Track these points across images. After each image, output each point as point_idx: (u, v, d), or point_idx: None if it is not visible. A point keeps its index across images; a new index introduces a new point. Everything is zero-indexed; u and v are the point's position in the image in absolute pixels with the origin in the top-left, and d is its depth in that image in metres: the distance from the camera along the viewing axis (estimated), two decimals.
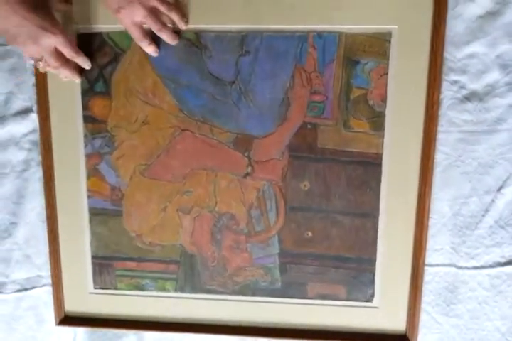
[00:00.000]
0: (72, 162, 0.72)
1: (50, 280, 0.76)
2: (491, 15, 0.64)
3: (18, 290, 0.78)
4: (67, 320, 0.77)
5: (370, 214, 0.70)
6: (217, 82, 0.68)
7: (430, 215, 0.69)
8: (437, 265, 0.71)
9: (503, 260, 0.70)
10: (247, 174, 0.71)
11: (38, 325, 0.79)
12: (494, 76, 0.65)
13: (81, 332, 0.78)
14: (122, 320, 0.76)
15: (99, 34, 0.68)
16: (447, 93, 0.66)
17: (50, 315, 0.78)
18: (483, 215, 0.69)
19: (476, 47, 0.65)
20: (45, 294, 0.78)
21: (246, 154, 0.70)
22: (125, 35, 0.67)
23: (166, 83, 0.69)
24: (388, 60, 0.66)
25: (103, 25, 0.68)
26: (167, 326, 0.76)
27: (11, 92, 0.72)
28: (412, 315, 0.72)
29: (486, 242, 0.70)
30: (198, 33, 0.67)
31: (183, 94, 0.69)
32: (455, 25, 0.64)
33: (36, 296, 0.78)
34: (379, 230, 0.71)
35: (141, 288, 0.76)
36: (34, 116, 0.72)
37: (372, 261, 0.72)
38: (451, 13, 0.64)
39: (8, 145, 0.74)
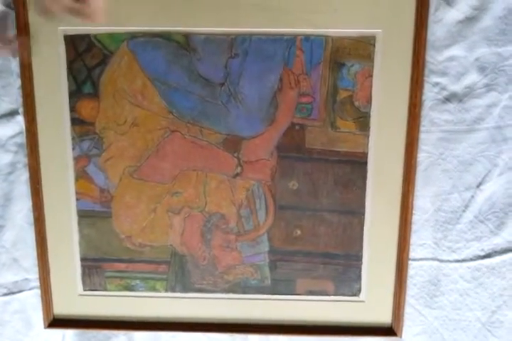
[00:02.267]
0: (59, 164, 0.75)
1: (38, 283, 0.79)
2: (470, 20, 0.70)
3: (5, 294, 0.80)
4: (56, 322, 0.80)
5: (356, 212, 0.76)
6: (206, 83, 0.72)
7: (413, 211, 0.75)
8: (421, 259, 0.78)
9: (482, 253, 0.77)
10: (237, 174, 0.75)
11: (26, 328, 0.82)
12: (473, 78, 0.72)
13: (70, 334, 0.82)
14: (112, 321, 0.80)
15: (86, 36, 0.71)
16: (429, 94, 0.72)
17: (38, 318, 0.81)
18: (464, 211, 0.76)
19: (456, 51, 0.71)
20: (33, 297, 0.80)
21: (235, 155, 0.74)
22: (113, 36, 0.71)
23: (155, 85, 0.72)
24: (373, 62, 0.71)
25: (91, 27, 0.71)
26: (158, 326, 0.80)
27: None
28: (397, 308, 0.79)
29: (466, 236, 0.77)
30: (187, 36, 0.70)
31: (172, 96, 0.73)
32: (436, 30, 0.70)
33: (24, 300, 0.81)
34: (365, 227, 0.77)
35: (131, 289, 0.79)
36: (20, 119, 0.74)
37: (358, 257, 0.77)
38: (432, 19, 0.70)
39: None
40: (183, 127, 0.74)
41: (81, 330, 0.81)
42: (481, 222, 0.76)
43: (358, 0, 0.69)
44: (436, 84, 0.72)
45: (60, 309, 0.80)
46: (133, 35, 0.71)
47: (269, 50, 0.71)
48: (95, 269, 0.79)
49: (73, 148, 0.75)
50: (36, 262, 0.78)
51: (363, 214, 0.76)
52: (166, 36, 0.71)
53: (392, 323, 0.79)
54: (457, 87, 0.72)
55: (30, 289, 0.80)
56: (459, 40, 0.70)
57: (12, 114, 0.75)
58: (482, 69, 0.71)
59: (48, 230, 0.77)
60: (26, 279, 0.80)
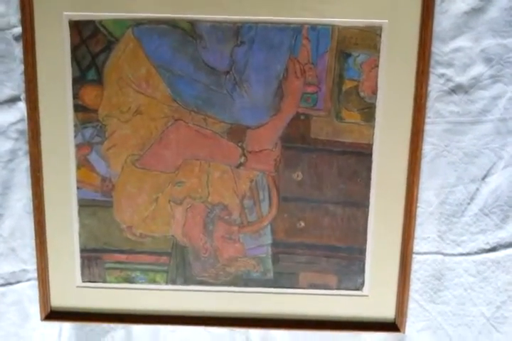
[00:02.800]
0: (61, 152, 0.75)
1: (35, 275, 0.78)
2: (476, 11, 0.71)
3: (2, 285, 0.80)
4: (54, 315, 0.79)
5: (360, 204, 0.76)
6: (211, 72, 0.73)
7: (418, 204, 0.75)
8: (425, 253, 0.78)
9: (487, 246, 0.77)
10: (241, 164, 0.75)
11: (22, 320, 0.81)
12: (479, 69, 0.72)
13: (67, 327, 0.81)
14: (111, 314, 0.79)
15: (91, 22, 0.71)
16: (434, 85, 0.73)
17: (34, 310, 0.80)
18: (469, 203, 0.76)
19: (462, 42, 0.72)
20: (30, 289, 0.80)
21: (239, 144, 0.75)
22: (118, 23, 0.71)
23: (160, 72, 0.72)
24: (379, 53, 0.72)
25: (96, 12, 0.71)
26: (157, 319, 0.79)
27: None
28: (400, 302, 0.78)
29: (471, 229, 0.77)
30: (193, 23, 0.71)
31: (177, 84, 0.73)
32: (442, 21, 0.71)
33: (21, 291, 0.80)
34: (369, 219, 0.77)
35: (131, 281, 0.79)
36: (22, 105, 0.74)
37: (362, 250, 0.77)
38: (438, 9, 0.70)
39: None
40: (187, 115, 0.74)
41: (78, 323, 0.80)
42: (486, 215, 0.76)
43: None
44: (442, 75, 0.73)
45: (57, 301, 0.79)
46: (138, 22, 0.71)
47: (275, 39, 0.71)
48: (95, 260, 0.78)
49: (75, 136, 0.74)
50: (34, 252, 0.77)
51: (367, 206, 0.76)
52: (171, 23, 0.71)
53: (395, 318, 0.79)
54: (463, 79, 0.73)
55: (27, 280, 0.80)
56: (465, 31, 0.71)
57: (13, 100, 0.75)
58: (488, 60, 0.72)
59: (47, 219, 0.77)
60: (24, 270, 0.79)
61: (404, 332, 0.78)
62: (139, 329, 0.81)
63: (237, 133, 0.74)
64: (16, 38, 0.72)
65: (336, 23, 0.71)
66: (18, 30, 0.71)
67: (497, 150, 0.74)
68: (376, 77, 0.73)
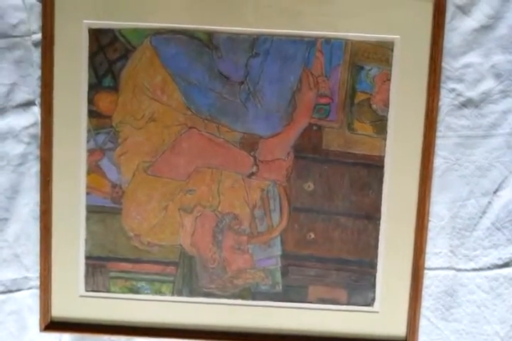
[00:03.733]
0: (72, 157, 0.76)
1: (37, 283, 0.78)
2: (485, 28, 0.74)
3: (2, 292, 0.79)
4: (53, 325, 0.78)
5: (371, 217, 0.77)
6: (226, 81, 0.75)
7: (429, 218, 0.76)
8: (436, 268, 0.78)
9: (500, 262, 0.78)
10: (252, 173, 0.76)
11: (20, 331, 0.80)
12: (489, 84, 0.75)
13: (66, 339, 0.79)
14: (114, 326, 0.78)
15: (110, 30, 0.74)
16: (445, 100, 0.75)
17: (34, 320, 0.79)
18: (481, 217, 0.77)
19: (472, 58, 0.75)
20: (30, 297, 0.79)
21: (252, 154, 0.76)
22: (137, 32, 0.74)
23: (175, 81, 0.75)
24: (391, 67, 0.75)
25: (115, 21, 0.74)
26: (161, 332, 0.78)
27: (14, 84, 0.76)
28: (412, 319, 0.78)
29: (484, 244, 0.78)
30: (210, 34, 0.74)
31: (191, 93, 0.75)
32: (452, 38, 0.74)
33: (21, 299, 0.79)
34: (380, 233, 0.77)
35: (136, 291, 0.78)
36: (36, 110, 0.76)
37: (373, 264, 0.77)
38: (448, 27, 0.74)
39: (6, 137, 0.77)
40: (201, 124, 0.76)
41: (78, 335, 0.79)
42: (498, 229, 0.77)
43: (378, 6, 0.74)
44: (453, 90, 0.75)
45: (58, 311, 0.78)
46: (157, 32, 0.74)
47: (290, 51, 0.75)
48: (99, 268, 0.78)
49: (88, 141, 0.76)
50: (38, 260, 0.77)
51: (379, 219, 0.77)
52: (189, 34, 0.74)
53: (406, 336, 0.78)
54: (473, 93, 0.75)
55: (28, 288, 0.79)
56: (475, 47, 0.75)
57: (28, 104, 0.77)
58: (498, 75, 0.75)
59: (54, 225, 0.77)
60: (26, 277, 0.79)
61: None
62: None
63: (249, 142, 0.76)
64: (35, 44, 0.75)
65: (350, 38, 0.74)
66: (38, 36, 0.74)
67: (508, 164, 0.76)
68: (388, 90, 0.75)
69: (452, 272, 0.78)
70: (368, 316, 0.78)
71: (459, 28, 0.74)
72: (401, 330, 0.78)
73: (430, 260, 0.77)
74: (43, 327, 0.78)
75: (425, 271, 0.77)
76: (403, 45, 0.75)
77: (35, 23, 0.74)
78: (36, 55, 0.75)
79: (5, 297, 0.79)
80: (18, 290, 0.79)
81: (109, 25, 0.74)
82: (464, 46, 0.75)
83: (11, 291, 0.79)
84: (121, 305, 0.78)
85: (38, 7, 0.74)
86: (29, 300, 0.79)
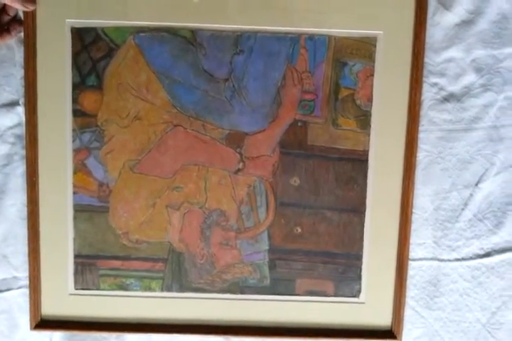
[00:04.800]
0: (58, 156, 0.78)
1: (26, 282, 0.79)
2: (466, 23, 0.77)
3: None
4: (44, 323, 0.80)
5: (357, 210, 0.80)
6: (210, 79, 0.76)
7: (413, 210, 0.79)
8: (420, 259, 0.81)
9: (481, 252, 0.81)
10: (239, 170, 0.78)
11: (10, 330, 0.82)
12: (470, 78, 0.78)
13: (57, 337, 0.82)
14: (104, 323, 0.80)
15: (93, 29, 0.75)
16: (428, 94, 0.78)
17: (24, 319, 0.81)
18: (463, 209, 0.80)
19: (453, 53, 0.77)
20: (20, 297, 0.81)
21: (238, 150, 0.78)
22: (120, 30, 0.75)
23: (159, 79, 0.76)
24: (374, 62, 0.77)
25: (98, 20, 0.75)
26: (152, 328, 0.80)
27: None
28: (397, 309, 0.81)
29: (466, 235, 0.81)
30: (194, 31, 0.75)
31: (176, 90, 0.77)
32: (434, 33, 0.77)
33: (11, 299, 0.81)
34: (365, 225, 0.80)
35: (126, 288, 0.80)
36: (20, 110, 0.78)
37: (359, 256, 0.80)
38: (430, 22, 0.76)
39: None
40: (186, 121, 0.77)
41: (69, 333, 0.81)
42: (480, 220, 0.81)
43: (361, 2, 0.76)
44: (435, 84, 0.78)
45: (48, 309, 0.80)
46: (140, 30, 0.75)
47: (274, 48, 0.76)
48: (88, 267, 0.80)
49: (73, 140, 0.77)
50: (26, 259, 0.79)
51: (364, 212, 0.80)
52: (172, 31, 0.75)
53: (392, 326, 0.81)
54: (455, 88, 0.78)
55: (18, 288, 0.81)
56: (456, 42, 0.77)
57: (12, 104, 0.78)
58: (478, 70, 0.78)
59: (41, 225, 0.78)
60: (15, 277, 0.81)
61: (401, 340, 0.81)
62: (132, 339, 0.82)
63: (235, 139, 0.78)
64: (18, 44, 0.76)
65: (333, 34, 0.76)
66: (20, 35, 0.75)
67: (489, 157, 0.79)
68: (371, 85, 0.77)
69: (436, 262, 0.81)
70: (355, 307, 0.81)
71: (440, 23, 0.77)
72: (386, 320, 0.81)
73: (414, 251, 0.81)
74: (33, 325, 0.80)
75: (409, 262, 0.80)
76: (386, 41, 0.77)
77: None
78: (19, 55, 0.76)
79: None
80: (8, 289, 0.81)
81: (92, 23, 0.75)
82: (445, 41, 0.77)
83: (0, 291, 0.81)
84: (111, 302, 0.80)
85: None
86: (19, 299, 0.81)
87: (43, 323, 0.80)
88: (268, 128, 0.78)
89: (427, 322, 0.83)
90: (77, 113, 0.77)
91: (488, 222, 0.81)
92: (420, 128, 0.78)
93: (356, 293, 0.81)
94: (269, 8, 0.75)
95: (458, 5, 0.76)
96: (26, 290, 0.80)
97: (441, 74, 0.78)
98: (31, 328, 0.80)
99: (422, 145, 0.79)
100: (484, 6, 0.76)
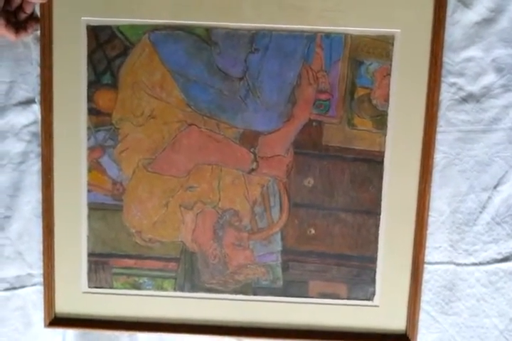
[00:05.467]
0: (73, 155, 0.79)
1: (41, 280, 0.81)
2: (487, 22, 0.76)
3: (7, 289, 0.82)
4: (58, 321, 0.82)
5: (372, 212, 0.79)
6: (225, 77, 0.77)
7: (429, 213, 0.78)
8: (436, 263, 0.81)
9: (499, 256, 0.80)
10: (252, 170, 0.78)
11: (25, 327, 0.84)
12: (490, 78, 0.77)
13: (70, 335, 0.83)
14: (117, 321, 0.82)
15: (109, 27, 0.76)
16: (446, 94, 0.78)
17: (38, 316, 0.83)
18: (481, 212, 0.80)
19: (473, 52, 0.77)
20: (34, 294, 0.83)
21: (251, 150, 0.78)
22: (135, 28, 0.76)
23: (174, 77, 0.77)
24: (391, 61, 0.77)
25: (113, 18, 0.76)
26: (164, 327, 0.81)
27: (14, 82, 0.79)
28: (412, 313, 0.81)
29: (483, 239, 0.80)
30: (208, 30, 0.76)
31: (191, 89, 0.77)
32: (453, 31, 0.76)
33: (25, 296, 0.83)
34: (380, 228, 0.80)
35: (138, 287, 0.81)
36: (36, 108, 0.79)
37: (373, 259, 0.80)
38: (449, 20, 0.76)
39: (6, 136, 0.80)
40: (200, 120, 0.78)
41: (82, 331, 0.82)
42: (498, 224, 0.80)
43: (378, 0, 0.75)
44: (453, 84, 0.77)
45: (62, 307, 0.82)
46: (155, 28, 0.76)
47: (289, 47, 0.76)
48: (102, 265, 0.81)
49: (88, 139, 0.79)
50: (41, 257, 0.80)
51: (379, 214, 0.79)
52: (187, 29, 0.76)
53: (406, 330, 0.81)
54: (474, 88, 0.77)
55: (32, 285, 0.82)
56: (476, 41, 0.77)
57: (28, 102, 0.79)
58: (499, 69, 0.77)
59: (56, 223, 0.80)
60: (29, 274, 0.82)
61: None
62: (144, 338, 0.83)
63: (249, 138, 0.78)
64: (34, 42, 0.77)
65: (349, 32, 0.76)
66: (36, 33, 0.76)
67: (508, 159, 0.78)
68: (388, 85, 0.77)
69: (452, 266, 0.81)
70: (368, 310, 0.81)
71: (460, 21, 0.76)
72: (401, 324, 0.81)
73: (430, 254, 0.80)
74: (47, 323, 0.81)
75: (425, 266, 0.80)
76: (403, 39, 0.76)
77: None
78: (35, 53, 0.77)
79: (9, 294, 0.83)
80: (22, 287, 0.83)
81: (108, 22, 0.76)
82: (465, 40, 0.77)
83: (15, 288, 0.83)
84: (123, 300, 0.82)
85: (36, 5, 0.76)
86: (33, 296, 0.83)
87: (56, 321, 0.82)
88: (282, 127, 0.78)
89: (442, 327, 0.82)
90: (92, 111, 0.78)
91: (507, 226, 0.80)
92: (438, 129, 0.78)
93: (370, 296, 0.81)
94: (284, 6, 0.76)
95: (478, 3, 0.75)
96: (40, 288, 0.81)
97: (460, 74, 0.77)
98: (45, 325, 0.81)
99: (439, 146, 0.78)
100: (505, 4, 0.75)
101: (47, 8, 0.75)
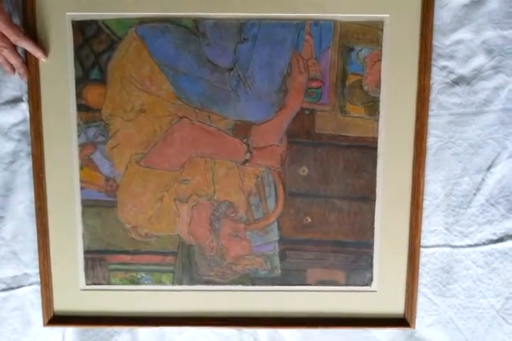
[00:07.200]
0: (64, 152, 0.81)
1: (38, 279, 0.83)
2: (476, 3, 0.79)
3: (4, 290, 0.84)
4: (57, 319, 0.84)
5: (367, 198, 0.82)
6: (215, 69, 0.78)
7: (424, 197, 0.81)
8: (432, 246, 0.84)
9: (494, 237, 0.84)
10: (246, 161, 0.80)
11: (24, 327, 0.86)
12: (480, 60, 0.80)
13: (70, 332, 0.86)
14: (116, 317, 0.84)
15: (94, 22, 0.77)
16: (437, 78, 0.80)
17: (37, 316, 0.85)
18: (475, 194, 0.83)
19: (463, 34, 0.79)
20: (32, 294, 0.85)
21: (245, 141, 0.80)
22: (121, 22, 0.77)
23: (163, 70, 0.78)
24: (381, 47, 0.79)
25: (99, 12, 0.77)
26: (164, 321, 0.84)
27: (0, 81, 0.79)
28: (409, 297, 0.84)
29: (478, 220, 0.84)
30: (196, 21, 0.77)
31: (180, 82, 0.79)
32: (442, 14, 0.79)
33: (23, 296, 0.85)
34: (376, 213, 0.82)
35: (137, 282, 0.84)
36: (24, 106, 0.80)
37: (370, 245, 0.83)
38: (438, 3, 0.78)
39: None
40: (192, 113, 0.79)
41: (82, 328, 0.85)
42: (492, 205, 0.83)
43: None
44: (444, 67, 0.80)
45: (60, 305, 0.84)
46: (141, 21, 0.77)
47: (279, 35, 0.78)
48: (99, 262, 0.83)
49: (78, 135, 0.80)
50: (36, 256, 0.82)
51: (374, 200, 0.82)
52: (174, 21, 0.77)
53: (404, 313, 0.85)
54: (465, 70, 0.80)
55: (29, 285, 0.84)
56: (466, 23, 0.79)
57: (16, 101, 0.80)
58: (489, 51, 0.80)
59: (50, 221, 0.82)
60: (26, 274, 0.84)
61: (414, 328, 0.84)
62: (144, 332, 0.86)
63: (241, 129, 0.80)
64: None
65: (338, 19, 0.78)
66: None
67: (501, 141, 0.81)
68: (379, 70, 0.79)
69: (448, 249, 0.84)
70: (367, 296, 0.85)
71: (449, 3, 0.79)
72: (399, 308, 0.85)
73: (426, 238, 0.84)
74: (46, 321, 0.84)
75: (421, 249, 0.83)
76: (393, 24, 0.78)
77: (17, 17, 0.77)
78: (20, 50, 0.77)
79: (7, 294, 0.85)
80: (20, 286, 0.85)
81: (93, 16, 0.77)
82: (454, 23, 0.79)
83: (12, 288, 0.85)
84: (122, 296, 0.84)
85: (19, 1, 0.76)
86: (31, 296, 0.85)
87: (55, 319, 0.84)
88: (275, 117, 0.80)
89: (440, 309, 0.86)
90: (81, 107, 0.80)
91: (501, 207, 0.83)
92: (430, 113, 0.80)
93: (368, 282, 0.84)
94: None
95: None
96: (38, 287, 0.84)
97: (451, 57, 0.80)
98: (44, 324, 0.84)
99: (431, 130, 0.81)
100: None
101: (30, 4, 0.76)
